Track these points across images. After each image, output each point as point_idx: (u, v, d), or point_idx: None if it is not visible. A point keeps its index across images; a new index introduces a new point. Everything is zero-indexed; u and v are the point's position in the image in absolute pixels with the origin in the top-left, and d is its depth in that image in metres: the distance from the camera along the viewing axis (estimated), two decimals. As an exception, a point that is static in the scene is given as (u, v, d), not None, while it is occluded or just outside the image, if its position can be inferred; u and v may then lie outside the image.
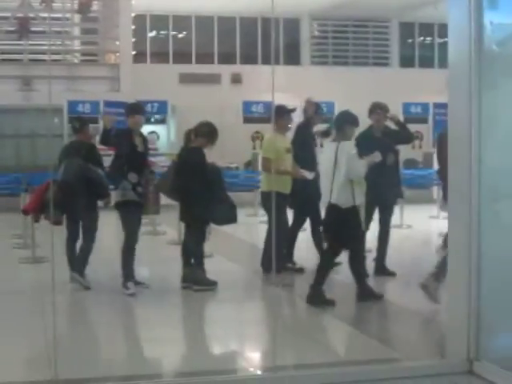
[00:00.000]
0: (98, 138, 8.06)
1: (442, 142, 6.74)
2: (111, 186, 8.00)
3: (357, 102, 9.99)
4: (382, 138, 8.37)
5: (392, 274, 8.48)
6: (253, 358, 6.02)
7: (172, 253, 9.56)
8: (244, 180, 15.52)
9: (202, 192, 7.64)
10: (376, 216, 8.44)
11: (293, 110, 8.65)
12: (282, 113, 8.42)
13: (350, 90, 17.26)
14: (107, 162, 8.04)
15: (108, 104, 15.81)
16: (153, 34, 19.59)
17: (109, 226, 7.76)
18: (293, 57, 19.87)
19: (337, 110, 11.58)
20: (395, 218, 9.43)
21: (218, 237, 9.12)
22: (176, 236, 10.50)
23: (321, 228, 7.94)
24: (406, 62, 20.50)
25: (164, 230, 12.26)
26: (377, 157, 7.32)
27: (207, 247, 8.26)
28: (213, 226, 8.08)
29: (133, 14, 17.83)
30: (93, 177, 7.96)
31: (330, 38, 20.26)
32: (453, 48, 5.28)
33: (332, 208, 7.08)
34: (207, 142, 7.92)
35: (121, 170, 7.62)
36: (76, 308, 7.74)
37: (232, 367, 5.60)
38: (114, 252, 8.07)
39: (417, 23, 20.46)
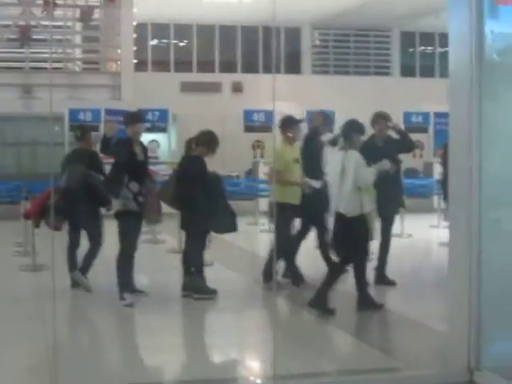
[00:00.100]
0: (98, 146, 8.08)
1: (448, 152, 6.72)
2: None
3: (358, 110, 9.95)
4: (384, 147, 8.37)
5: (392, 283, 8.48)
6: (253, 367, 6.01)
7: (172, 261, 9.56)
8: (245, 188, 15.52)
9: (202, 200, 7.65)
10: (377, 225, 8.43)
11: (301, 121, 8.66)
12: (290, 123, 8.41)
13: (351, 99, 17.24)
14: (108, 170, 8.05)
15: (109, 112, 15.77)
16: (154, 42, 19.62)
17: (113, 236, 7.77)
18: (294, 66, 19.88)
19: (337, 119, 11.55)
20: (396, 227, 9.42)
21: (218, 245, 9.10)
22: (176, 244, 10.49)
23: (327, 237, 7.94)
24: (407, 71, 20.49)
25: (164, 238, 12.25)
26: (385, 164, 7.35)
27: (207, 255, 8.26)
28: (213, 235, 8.07)
29: (134, 23, 17.86)
30: (95, 184, 8.01)
31: (330, 47, 20.27)
32: (454, 57, 5.30)
33: (340, 217, 7.09)
34: (208, 150, 7.93)
35: (121, 179, 7.59)
36: (76, 315, 7.75)
37: (232, 376, 5.60)
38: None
39: (418, 32, 20.46)
